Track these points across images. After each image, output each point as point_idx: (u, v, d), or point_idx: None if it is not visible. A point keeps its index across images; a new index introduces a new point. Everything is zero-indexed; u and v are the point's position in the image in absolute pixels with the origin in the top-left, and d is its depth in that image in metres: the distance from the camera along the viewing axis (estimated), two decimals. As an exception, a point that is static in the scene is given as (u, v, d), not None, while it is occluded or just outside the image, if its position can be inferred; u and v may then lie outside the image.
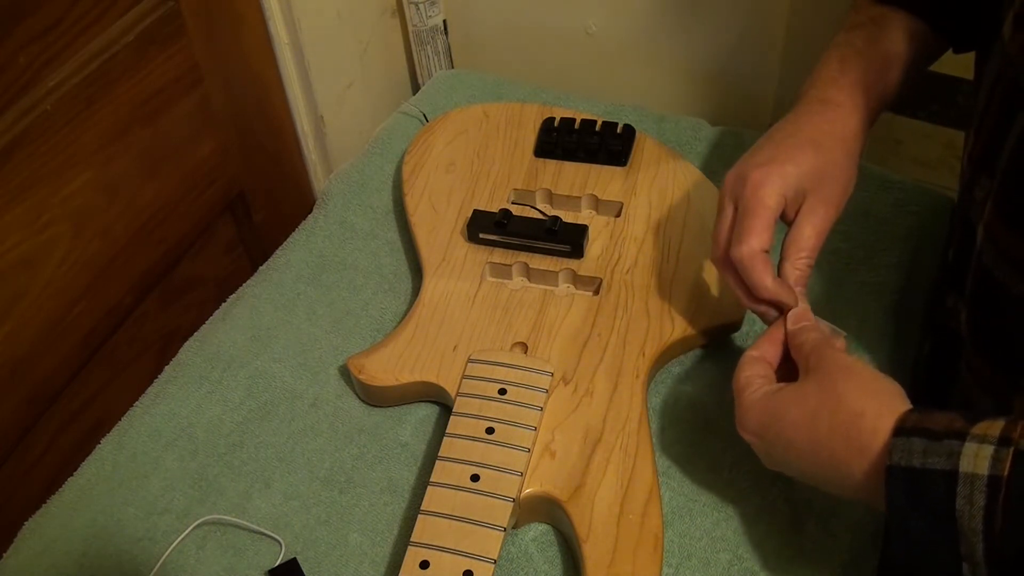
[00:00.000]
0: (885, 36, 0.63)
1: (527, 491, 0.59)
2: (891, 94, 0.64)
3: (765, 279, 0.57)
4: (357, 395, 0.69)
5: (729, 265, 0.59)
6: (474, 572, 0.54)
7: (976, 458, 0.43)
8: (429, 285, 0.72)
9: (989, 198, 0.53)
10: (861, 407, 0.49)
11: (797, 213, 0.59)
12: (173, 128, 0.76)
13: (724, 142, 0.86)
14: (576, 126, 0.81)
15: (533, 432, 0.61)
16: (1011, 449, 0.43)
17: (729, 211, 0.60)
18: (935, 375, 0.69)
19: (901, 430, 0.46)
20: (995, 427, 0.44)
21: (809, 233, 0.59)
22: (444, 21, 0.99)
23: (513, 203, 0.78)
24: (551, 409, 0.63)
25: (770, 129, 0.63)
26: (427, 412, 0.68)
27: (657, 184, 0.78)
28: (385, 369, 0.67)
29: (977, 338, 0.57)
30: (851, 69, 0.62)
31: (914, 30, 0.63)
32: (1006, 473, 0.42)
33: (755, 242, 0.57)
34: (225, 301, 0.78)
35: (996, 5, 0.54)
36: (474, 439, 0.60)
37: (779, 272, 0.59)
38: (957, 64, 0.68)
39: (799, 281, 0.59)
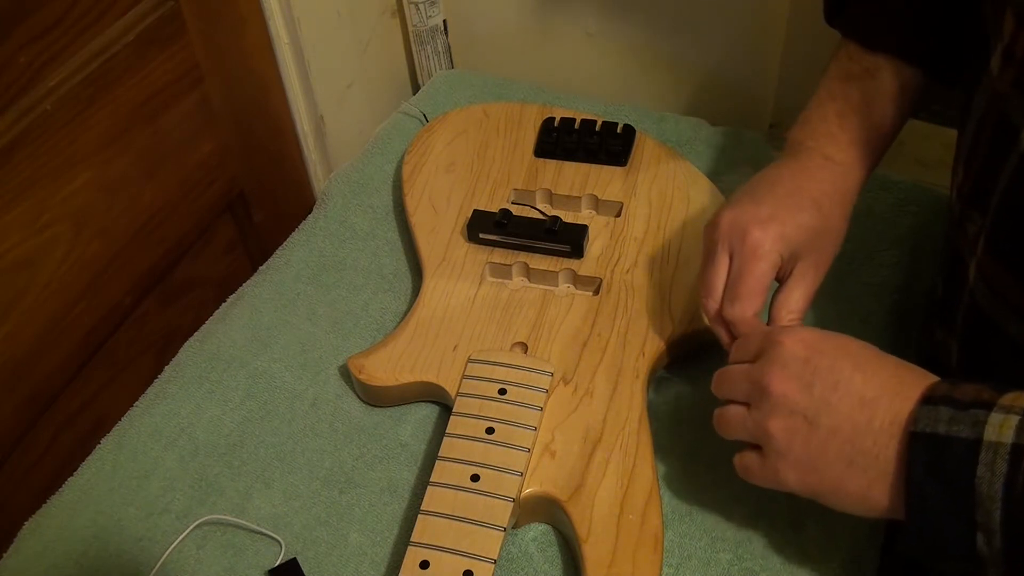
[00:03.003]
0: (881, 89, 0.63)
1: (527, 491, 0.59)
2: (887, 146, 0.65)
3: None
4: (357, 395, 0.69)
5: (721, 321, 0.60)
6: (474, 572, 0.54)
7: (1001, 427, 0.43)
8: (429, 285, 0.72)
9: (981, 235, 0.52)
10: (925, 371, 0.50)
11: (789, 274, 0.60)
12: (173, 128, 0.76)
13: (724, 142, 0.86)
14: (576, 126, 0.81)
15: (533, 432, 0.61)
16: None
17: (724, 261, 0.60)
18: None
19: (929, 399, 0.46)
20: (1023, 398, 0.44)
21: (799, 296, 0.60)
22: (444, 21, 0.99)
23: (513, 203, 0.78)
24: (551, 409, 0.63)
25: (766, 172, 0.63)
26: (427, 412, 0.68)
27: (657, 184, 0.78)
28: (385, 369, 0.67)
29: (968, 376, 0.57)
30: (850, 126, 0.63)
31: (907, 77, 0.63)
32: None
33: (748, 307, 0.58)
34: (225, 301, 0.78)
35: (985, 38, 0.53)
36: (474, 439, 0.60)
37: None
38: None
39: None
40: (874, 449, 0.48)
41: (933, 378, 0.48)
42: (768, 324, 0.60)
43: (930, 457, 0.45)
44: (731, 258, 0.59)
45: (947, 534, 0.45)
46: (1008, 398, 0.45)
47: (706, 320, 0.61)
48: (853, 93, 0.63)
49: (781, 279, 0.61)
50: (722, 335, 0.60)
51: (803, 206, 0.60)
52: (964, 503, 0.44)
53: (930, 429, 0.45)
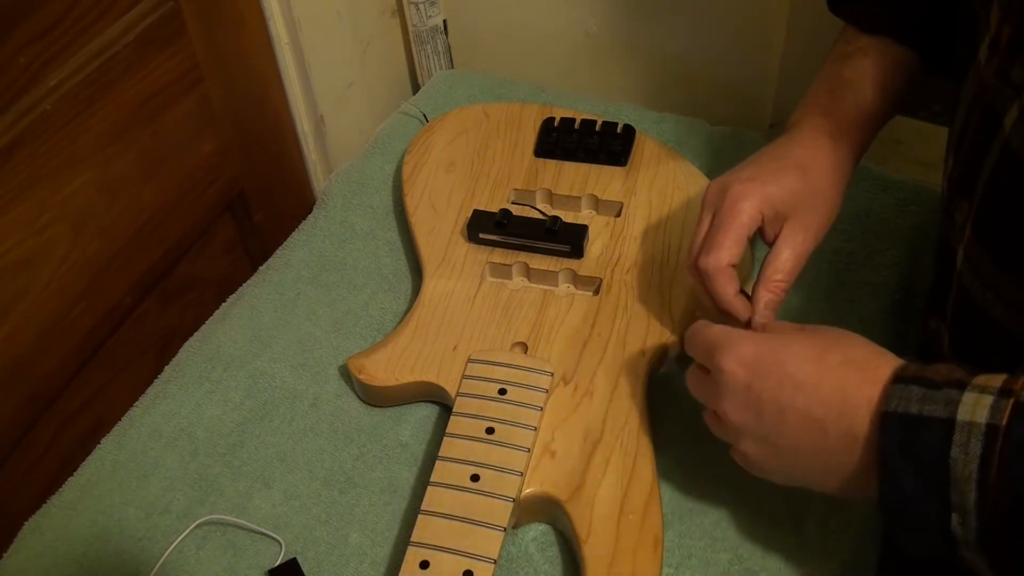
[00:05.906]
0: (873, 67, 0.64)
1: (527, 491, 0.59)
2: (879, 123, 0.65)
3: (727, 291, 0.59)
4: (357, 395, 0.69)
5: (696, 272, 0.60)
6: (474, 572, 0.54)
7: (975, 407, 0.43)
8: (429, 285, 0.72)
9: (968, 222, 0.53)
10: (881, 350, 0.49)
11: (777, 236, 0.60)
12: (173, 128, 0.76)
13: (724, 142, 0.86)
14: (576, 126, 0.81)
15: (533, 432, 0.61)
16: (1011, 400, 0.42)
17: (706, 220, 0.61)
18: None
19: (900, 378, 0.46)
20: (996, 379, 0.44)
21: (787, 256, 0.60)
22: (444, 21, 0.99)
23: (513, 203, 0.78)
24: (551, 409, 0.63)
25: (761, 148, 0.64)
26: (427, 412, 0.68)
27: (657, 184, 0.78)
28: (385, 369, 0.67)
29: (959, 362, 0.57)
30: (841, 100, 0.64)
31: (900, 58, 0.64)
32: (1004, 422, 0.42)
33: (723, 255, 0.59)
34: (225, 301, 0.78)
35: (975, 29, 0.54)
36: (474, 439, 0.60)
37: (753, 294, 0.60)
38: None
39: (770, 305, 0.59)
40: (836, 461, 0.48)
41: (880, 376, 0.47)
42: (756, 284, 0.60)
43: (903, 437, 0.45)
44: (713, 217, 0.61)
45: (922, 515, 0.45)
46: (981, 378, 0.45)
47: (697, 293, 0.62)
48: (844, 71, 0.65)
49: (770, 242, 0.61)
50: (697, 288, 0.61)
51: (786, 169, 0.61)
52: (938, 483, 0.43)
53: (902, 409, 0.45)
